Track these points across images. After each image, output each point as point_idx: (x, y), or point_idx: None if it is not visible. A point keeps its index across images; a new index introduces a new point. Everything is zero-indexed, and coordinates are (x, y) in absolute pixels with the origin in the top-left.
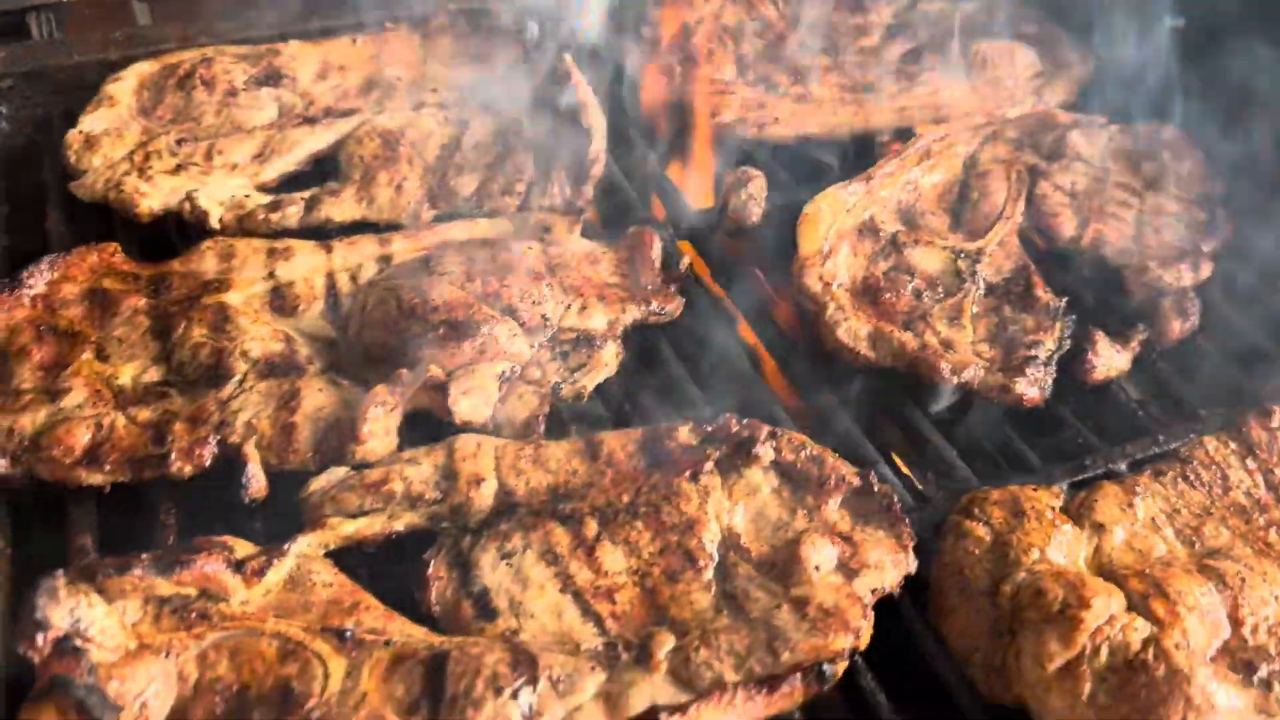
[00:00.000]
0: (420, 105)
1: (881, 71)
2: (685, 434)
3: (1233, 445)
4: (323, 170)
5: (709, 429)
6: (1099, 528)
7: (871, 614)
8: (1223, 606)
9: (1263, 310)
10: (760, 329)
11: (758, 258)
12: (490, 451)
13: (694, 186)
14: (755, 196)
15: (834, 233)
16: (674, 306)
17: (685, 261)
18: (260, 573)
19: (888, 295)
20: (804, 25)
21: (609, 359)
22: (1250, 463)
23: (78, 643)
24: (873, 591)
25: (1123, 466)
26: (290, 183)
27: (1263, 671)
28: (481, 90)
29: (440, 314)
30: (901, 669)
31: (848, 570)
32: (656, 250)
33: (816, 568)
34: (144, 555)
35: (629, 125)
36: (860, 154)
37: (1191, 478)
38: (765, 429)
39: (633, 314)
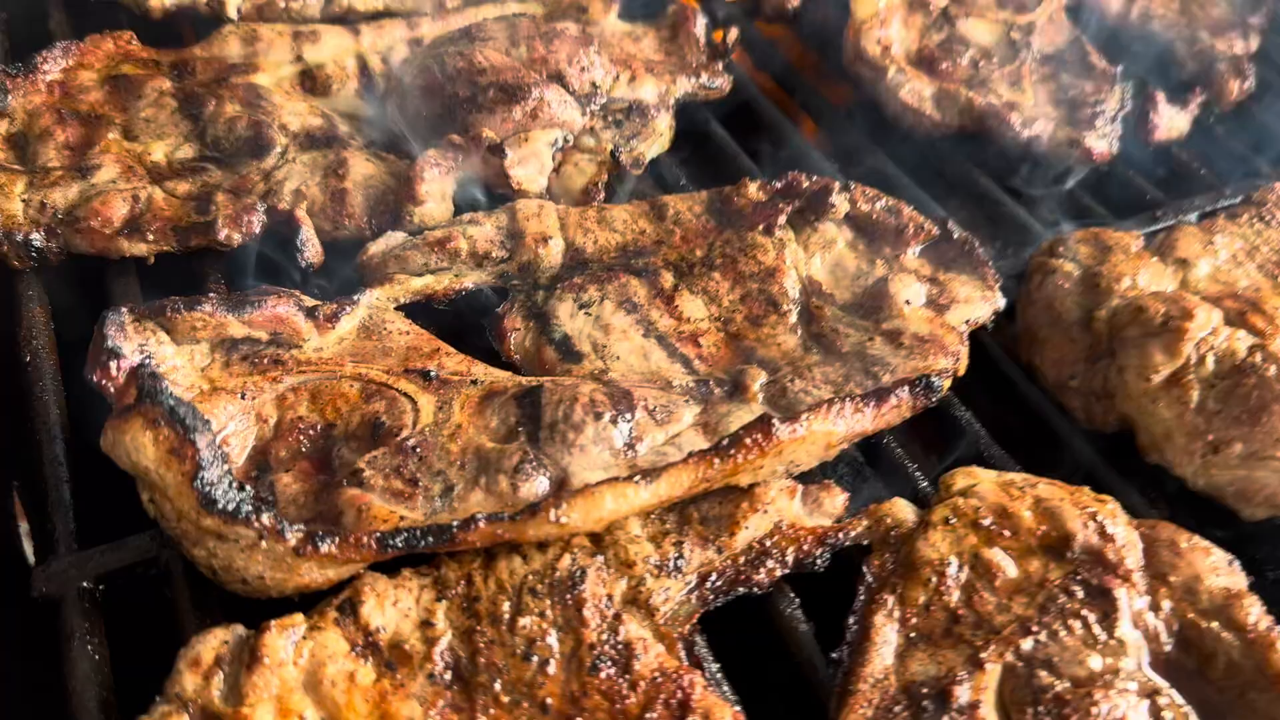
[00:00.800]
0: None
1: None
2: (754, 190)
3: None
4: None
5: (777, 185)
6: (1183, 263)
7: (967, 342)
8: None
9: None
10: (806, 102)
11: (796, 45)
12: (553, 212)
13: None
14: None
15: (886, 4)
16: (723, 81)
17: (734, 34)
18: (333, 318)
19: (944, 64)
20: None
21: (663, 128)
22: None
23: (153, 370)
24: (967, 322)
25: (1192, 218)
26: None
27: None
28: None
29: (488, 77)
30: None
31: (937, 306)
32: (700, 26)
33: (907, 302)
34: (211, 294)
35: None
36: None
37: (1267, 218)
38: (837, 182)
39: (683, 85)
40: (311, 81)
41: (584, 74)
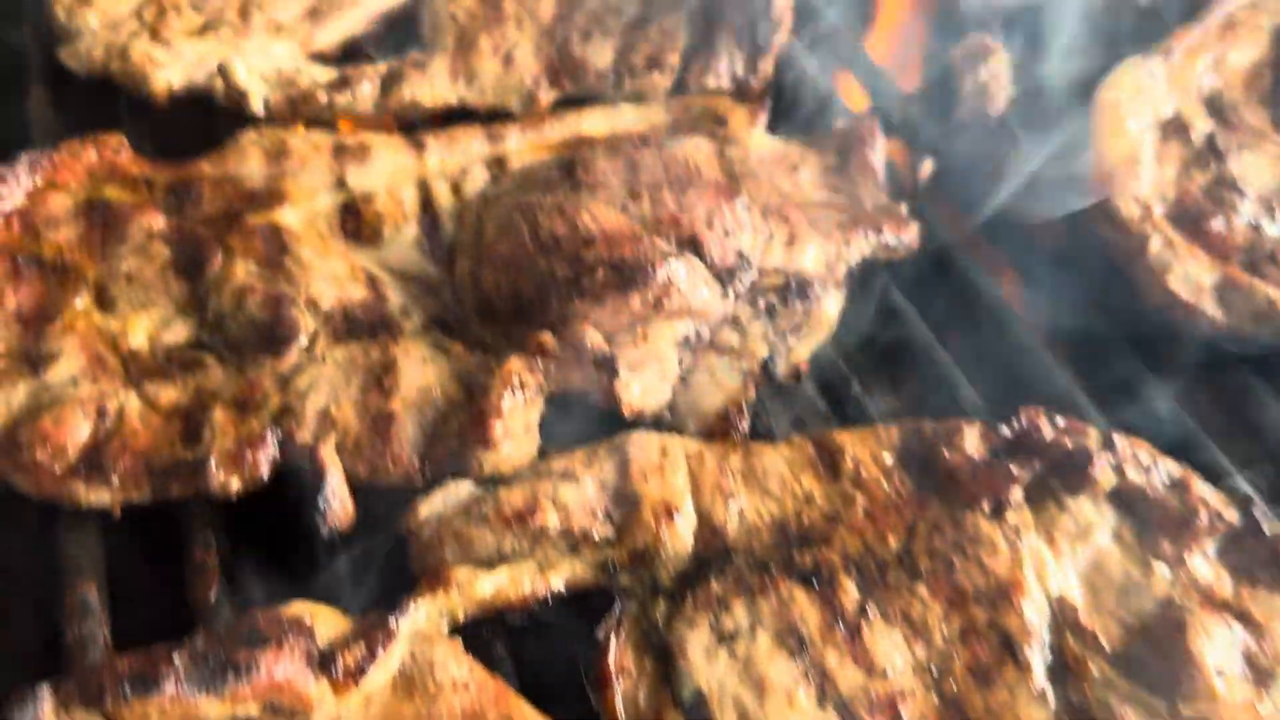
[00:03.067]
0: None
1: None
2: (973, 440)
3: None
4: (396, 38)
5: (1006, 432)
6: None
7: None
8: None
9: None
10: (1023, 268)
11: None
12: (681, 462)
13: (897, 63)
14: (998, 76)
15: (1138, 133)
16: (910, 236)
17: (926, 167)
18: (358, 672)
19: (1214, 224)
20: None
21: (831, 315)
22: None
23: None
24: None
25: None
26: (354, 54)
27: None
28: None
29: (598, 249)
30: None
31: (1259, 670)
32: (880, 150)
33: (1219, 672)
34: (175, 656)
35: None
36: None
37: None
38: (1096, 433)
39: (859, 247)
40: (356, 221)
41: (728, 239)
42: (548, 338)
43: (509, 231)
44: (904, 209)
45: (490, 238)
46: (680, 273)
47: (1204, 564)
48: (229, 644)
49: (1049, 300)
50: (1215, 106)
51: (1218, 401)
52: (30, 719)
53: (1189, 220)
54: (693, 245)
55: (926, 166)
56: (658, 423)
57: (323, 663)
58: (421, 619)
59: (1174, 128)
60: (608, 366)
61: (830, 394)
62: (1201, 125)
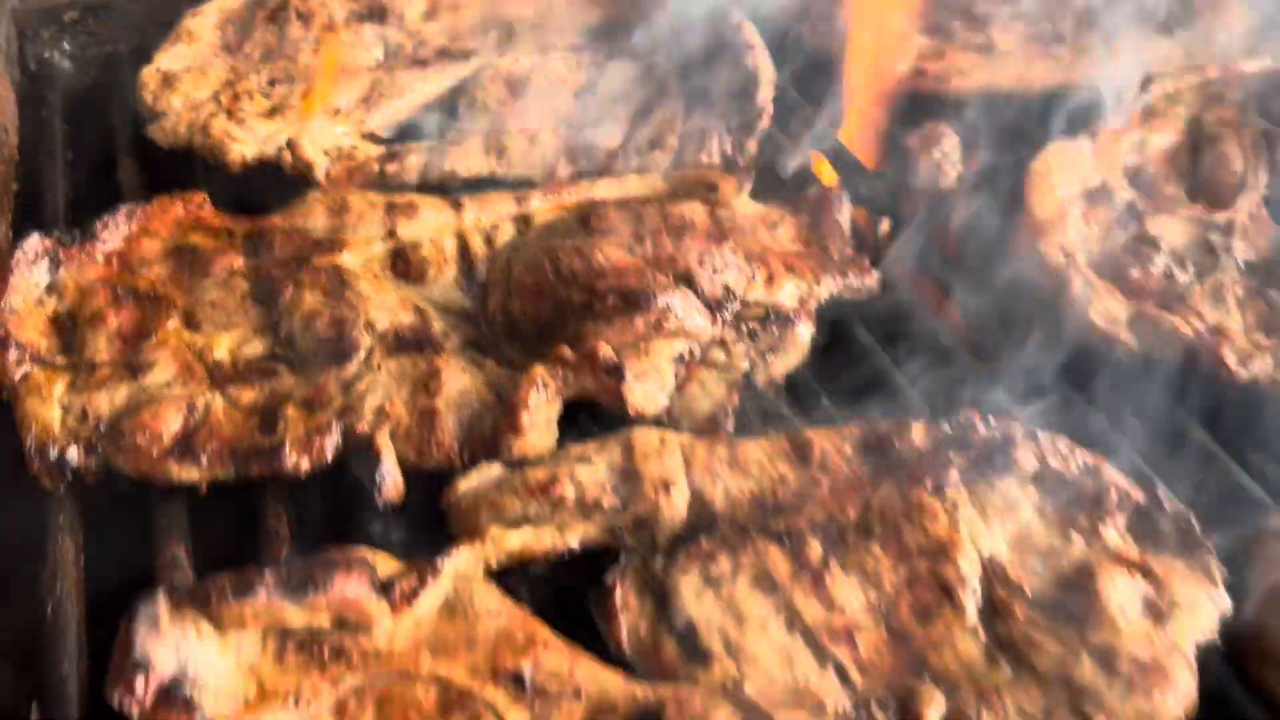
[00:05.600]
0: (547, 48)
1: (1072, 20)
2: (919, 434)
3: None
4: (438, 121)
5: (947, 428)
6: None
7: (1196, 673)
8: None
9: None
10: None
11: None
12: (677, 450)
13: (863, 148)
14: (949, 156)
15: (1062, 196)
16: (871, 280)
17: (885, 226)
18: (411, 596)
19: (1134, 272)
20: None
21: (804, 339)
22: None
23: (188, 691)
24: (1195, 643)
25: None
26: (402, 135)
27: None
28: (617, 31)
29: (608, 280)
30: None
31: (1156, 612)
32: (846, 213)
33: (1121, 609)
34: (267, 572)
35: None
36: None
37: None
38: (1022, 428)
39: (827, 287)
40: (405, 264)
41: (716, 275)
42: (566, 350)
43: (534, 268)
44: (866, 260)
45: (518, 274)
46: (676, 301)
47: (1114, 534)
48: (310, 566)
49: (990, 330)
50: (1136, 180)
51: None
52: (150, 616)
53: (1111, 268)
54: (687, 280)
55: (884, 225)
56: (657, 423)
57: (383, 588)
58: (462, 562)
59: (1100, 195)
60: (616, 373)
61: (801, 403)
62: (1124, 194)
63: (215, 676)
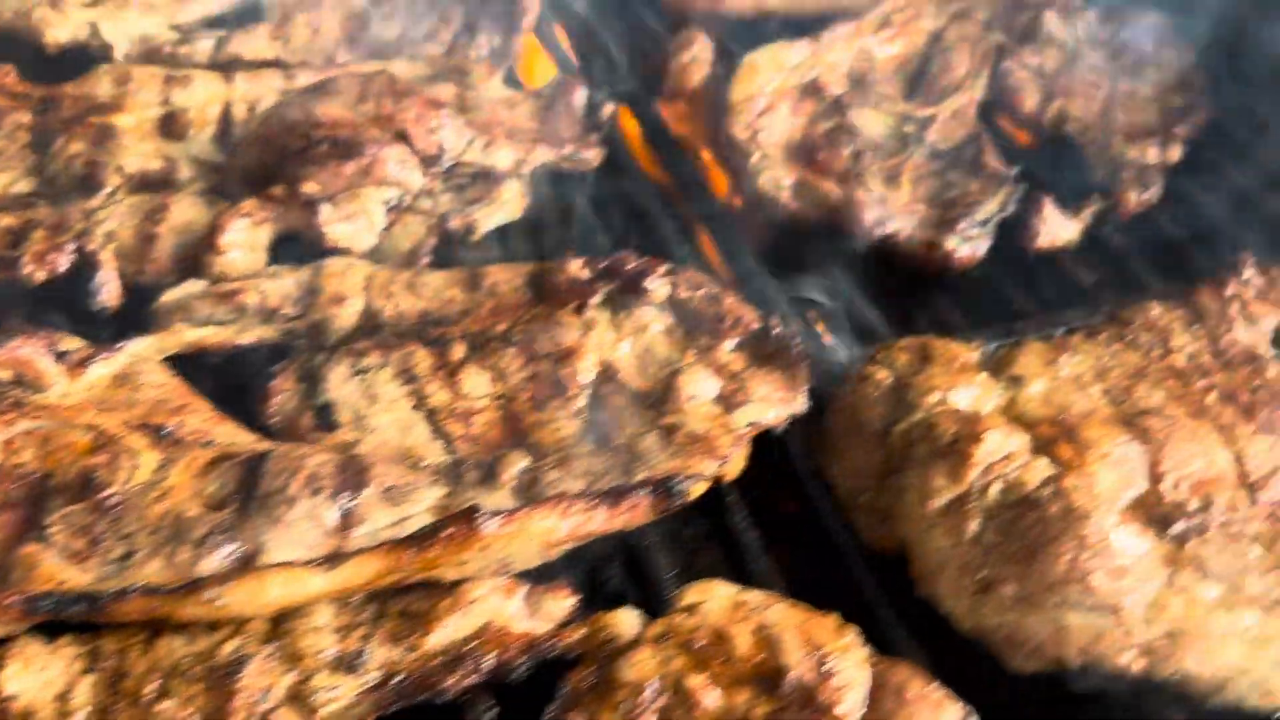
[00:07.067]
0: None
1: None
2: (576, 267)
3: (1179, 311)
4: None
5: (602, 264)
6: (1016, 380)
7: (746, 446)
8: (1142, 460)
9: (1228, 191)
10: (700, 203)
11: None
12: (360, 272)
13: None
14: (700, 59)
15: (773, 89)
16: (592, 154)
17: (609, 109)
18: (84, 363)
19: (823, 154)
20: None
21: (510, 197)
22: (1197, 329)
23: None
24: (750, 424)
25: (1058, 333)
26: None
27: (1178, 527)
28: None
29: (323, 130)
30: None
31: (728, 403)
32: (580, 98)
33: (692, 397)
34: None
35: None
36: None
37: (1129, 338)
38: (662, 265)
39: (543, 155)
40: (171, 124)
41: (431, 135)
42: (276, 188)
43: (266, 121)
44: (594, 138)
45: (254, 127)
46: (387, 151)
47: (726, 351)
48: None
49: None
50: (858, 81)
51: None
52: None
53: (804, 151)
54: (403, 136)
55: (608, 108)
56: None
57: (61, 355)
58: (140, 347)
59: (811, 90)
60: (312, 207)
61: (512, 257)
62: (837, 90)
63: None
